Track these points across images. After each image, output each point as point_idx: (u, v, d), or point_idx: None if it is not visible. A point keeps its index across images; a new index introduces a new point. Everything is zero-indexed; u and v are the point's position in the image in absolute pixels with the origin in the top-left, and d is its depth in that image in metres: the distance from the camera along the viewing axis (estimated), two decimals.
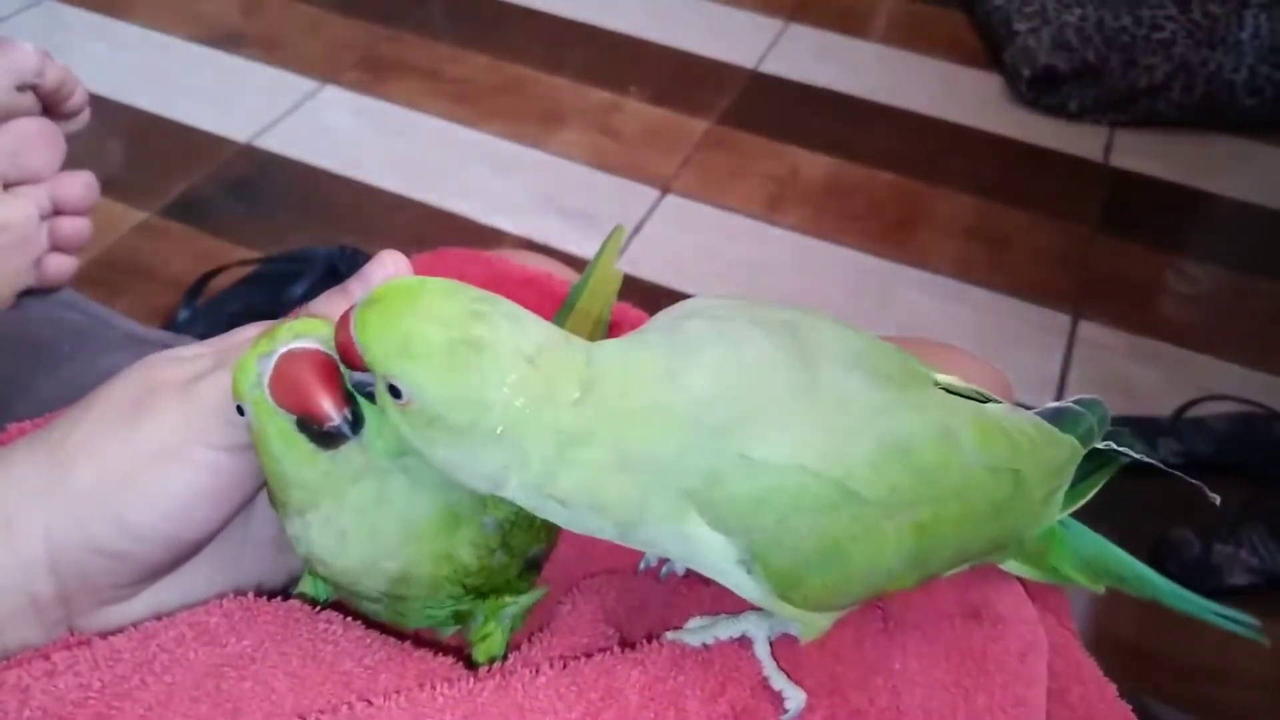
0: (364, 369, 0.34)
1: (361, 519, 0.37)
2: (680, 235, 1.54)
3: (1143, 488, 1.13)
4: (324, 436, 0.35)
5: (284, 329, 0.36)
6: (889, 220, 1.59)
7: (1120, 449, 0.43)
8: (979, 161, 1.71)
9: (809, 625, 0.39)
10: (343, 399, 0.35)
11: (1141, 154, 1.72)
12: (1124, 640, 1.05)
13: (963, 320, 1.44)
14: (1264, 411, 1.29)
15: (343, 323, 0.34)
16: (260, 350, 0.35)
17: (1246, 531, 1.15)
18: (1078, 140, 1.75)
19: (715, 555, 0.35)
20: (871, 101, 1.81)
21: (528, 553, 0.42)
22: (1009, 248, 1.56)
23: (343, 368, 0.35)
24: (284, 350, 0.35)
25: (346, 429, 0.35)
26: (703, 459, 0.33)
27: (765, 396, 0.34)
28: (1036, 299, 1.47)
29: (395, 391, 0.32)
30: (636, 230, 1.53)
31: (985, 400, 0.40)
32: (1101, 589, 0.45)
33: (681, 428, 0.33)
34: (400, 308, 0.32)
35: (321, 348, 0.35)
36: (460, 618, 0.42)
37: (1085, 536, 0.45)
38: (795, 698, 0.40)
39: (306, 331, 0.36)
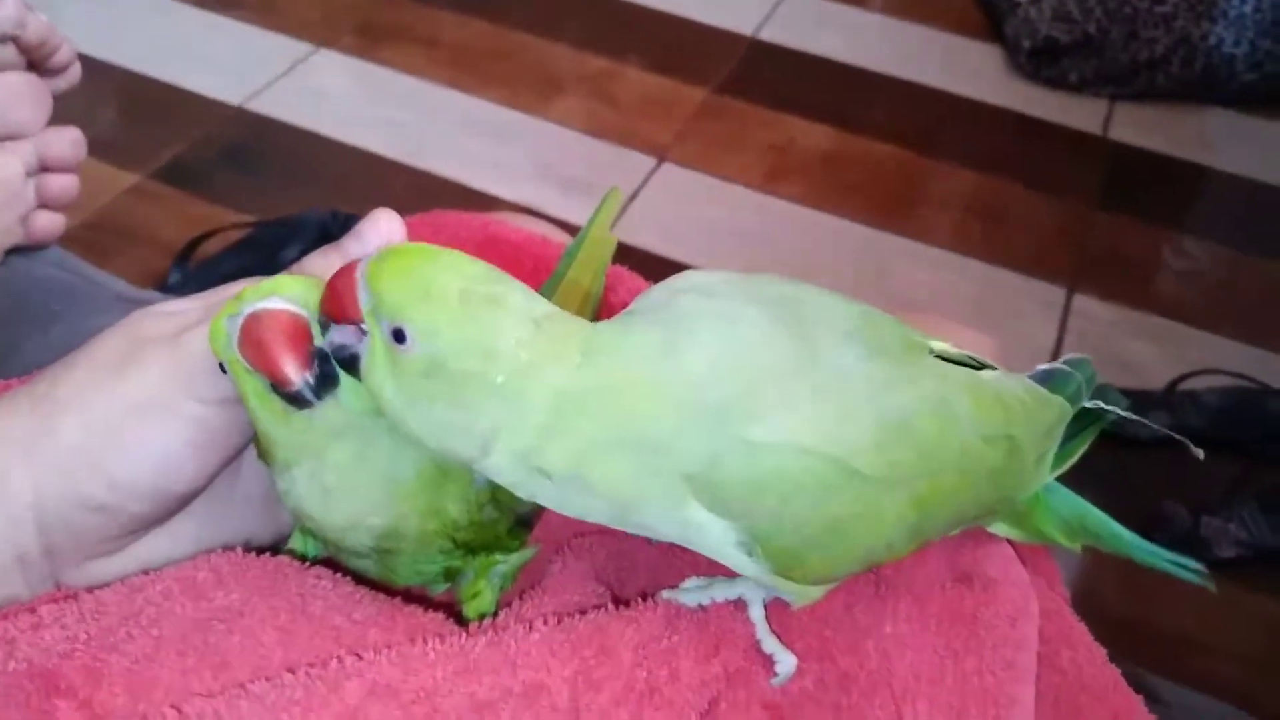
0: (353, 320, 0.33)
1: (344, 476, 0.37)
2: (676, 205, 1.53)
3: (1134, 462, 1.14)
4: (292, 398, 0.35)
5: (251, 289, 0.36)
6: (887, 192, 1.58)
7: (1108, 406, 0.44)
8: (978, 134, 1.70)
9: (802, 593, 0.39)
10: (308, 361, 0.35)
11: (1140, 128, 1.72)
12: (1109, 612, 1.06)
13: (959, 293, 1.43)
14: (1256, 386, 1.29)
15: (345, 272, 0.34)
16: (229, 311, 0.35)
17: (1236, 506, 1.16)
18: (1077, 113, 1.74)
19: (714, 539, 0.35)
20: (871, 72, 1.80)
21: (518, 510, 0.42)
22: (1006, 220, 1.55)
23: (316, 328, 0.35)
24: (249, 311, 0.35)
25: (308, 392, 0.35)
26: (701, 441, 0.33)
27: (763, 376, 0.34)
28: (1032, 272, 1.47)
29: (399, 337, 0.32)
30: (633, 198, 1.53)
31: (979, 366, 0.40)
32: (1078, 547, 0.45)
33: (679, 408, 0.33)
34: (421, 260, 0.33)
35: (290, 307, 0.35)
36: (450, 575, 0.42)
37: (1064, 496, 0.45)
38: (786, 662, 0.40)
39: (275, 291, 0.35)
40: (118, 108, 1.62)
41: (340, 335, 0.34)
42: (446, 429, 0.33)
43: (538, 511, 0.44)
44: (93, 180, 1.51)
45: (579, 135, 1.63)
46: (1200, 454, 0.43)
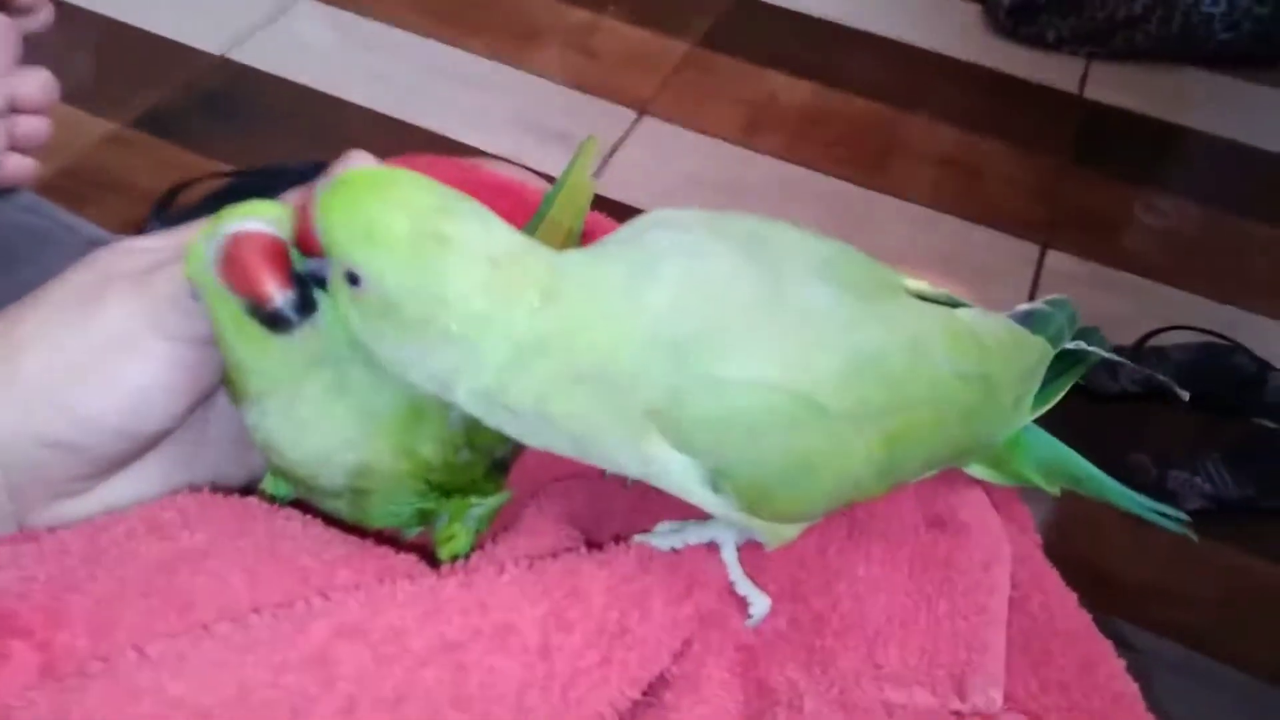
0: (321, 254, 0.32)
1: (319, 408, 0.36)
2: (657, 158, 1.52)
3: (1103, 415, 1.15)
4: (273, 321, 0.34)
5: (230, 210, 0.35)
6: (866, 147, 1.58)
7: (1090, 348, 0.43)
8: (956, 90, 1.69)
9: (775, 534, 0.39)
10: (289, 281, 0.34)
11: (1116, 87, 1.71)
12: (1077, 562, 1.07)
13: (934, 249, 1.43)
14: (1225, 342, 1.31)
15: (302, 207, 0.33)
16: (207, 232, 0.34)
17: (1202, 459, 1.17)
18: (1054, 71, 1.73)
19: (678, 475, 0.34)
20: (851, 28, 1.78)
21: (494, 453, 0.41)
22: (982, 177, 1.55)
23: (295, 253, 0.34)
24: (230, 231, 0.34)
25: (290, 312, 0.34)
26: (664, 377, 0.32)
27: (729, 310, 0.33)
28: (1007, 228, 1.47)
29: (353, 278, 0.31)
30: (613, 152, 1.51)
31: (956, 305, 0.39)
32: (1057, 491, 0.45)
33: (640, 344, 0.32)
34: (367, 194, 0.31)
35: (270, 230, 0.34)
36: (424, 517, 0.41)
37: (1043, 439, 0.45)
38: (760, 603, 0.40)
39: (253, 213, 0.35)
40: (96, 55, 1.57)
41: (315, 261, 0.33)
42: (408, 366, 0.32)
43: (514, 455, 0.44)
44: (69, 128, 1.47)
45: (560, 87, 1.61)
46: (1185, 395, 0.43)
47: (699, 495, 0.35)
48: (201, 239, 0.34)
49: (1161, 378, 0.44)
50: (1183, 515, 0.45)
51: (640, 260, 0.33)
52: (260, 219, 0.34)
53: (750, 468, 0.34)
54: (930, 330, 0.37)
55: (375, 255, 0.30)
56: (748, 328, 0.33)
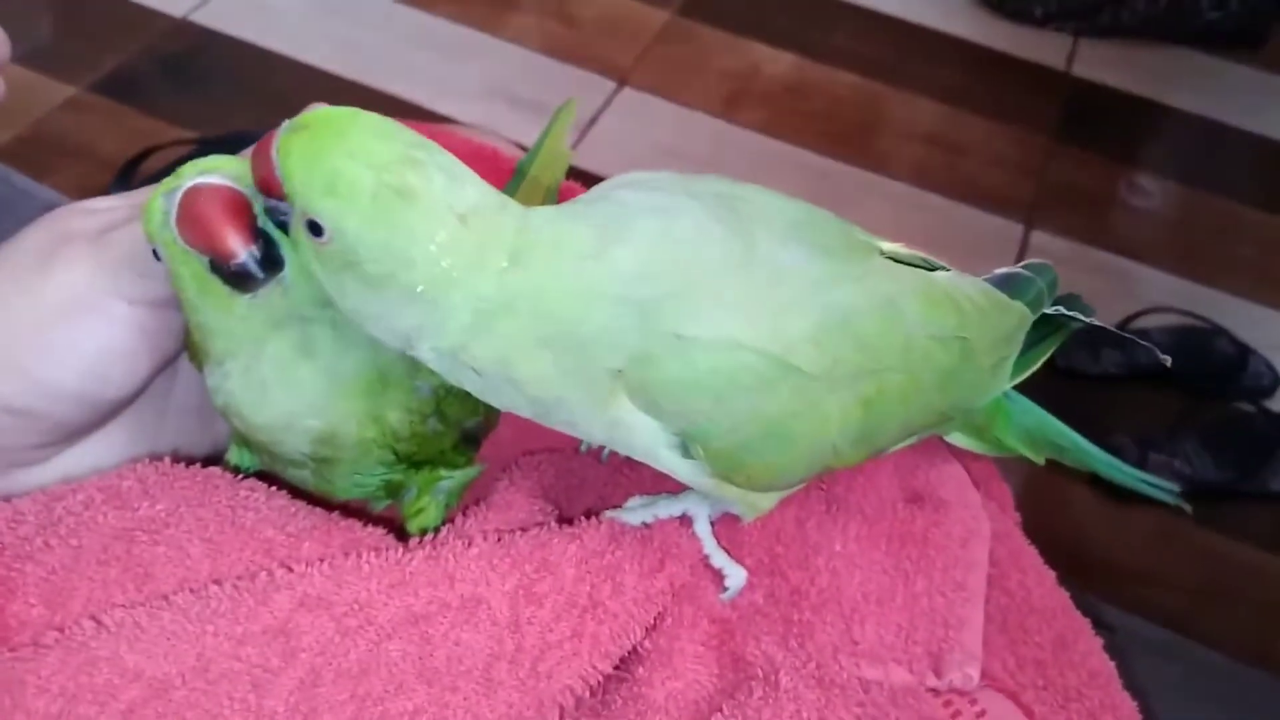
0: (281, 197, 0.31)
1: (283, 369, 0.35)
2: (636, 130, 1.50)
3: (1084, 397, 1.15)
4: (237, 278, 0.33)
5: (189, 165, 0.34)
6: (849, 123, 1.56)
7: (1070, 313, 0.42)
8: (941, 66, 1.68)
9: (750, 505, 0.38)
10: (251, 236, 0.33)
11: (1103, 65, 1.71)
12: (1056, 542, 1.07)
13: (917, 227, 1.43)
14: (1206, 325, 1.31)
15: (262, 148, 0.31)
16: (165, 187, 0.33)
17: (1182, 441, 1.18)
18: (1041, 48, 1.72)
19: (646, 439, 0.33)
20: (836, 0, 1.77)
21: (464, 424, 0.40)
22: (965, 154, 1.54)
23: (257, 203, 0.33)
24: (189, 185, 0.33)
25: (254, 266, 0.33)
26: (631, 338, 0.31)
27: (699, 271, 0.32)
28: (991, 207, 1.46)
29: (315, 229, 0.30)
30: (592, 122, 1.49)
31: (933, 268, 0.39)
32: (1042, 460, 0.45)
33: (607, 304, 0.31)
34: (330, 141, 0.30)
35: (229, 183, 0.33)
36: (392, 490, 0.40)
37: (1026, 407, 0.44)
38: (735, 575, 0.40)
39: (213, 168, 0.33)
40: (55, 16, 1.54)
41: (276, 203, 0.32)
42: (370, 320, 0.31)
43: (486, 428, 0.43)
44: (28, 91, 1.43)
45: (535, 55, 1.59)
46: (1168, 361, 0.42)
47: (668, 460, 0.34)
48: (160, 195, 0.33)
49: (1144, 344, 0.43)
50: (1172, 486, 0.45)
51: (610, 219, 0.32)
52: (219, 173, 0.33)
53: (720, 431, 0.33)
54: (905, 292, 0.36)
55: (337, 207, 0.29)
56: (717, 288, 0.32)
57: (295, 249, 0.32)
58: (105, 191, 1.28)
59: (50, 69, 1.43)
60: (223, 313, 0.34)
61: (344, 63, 1.52)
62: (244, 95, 1.47)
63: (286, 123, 0.31)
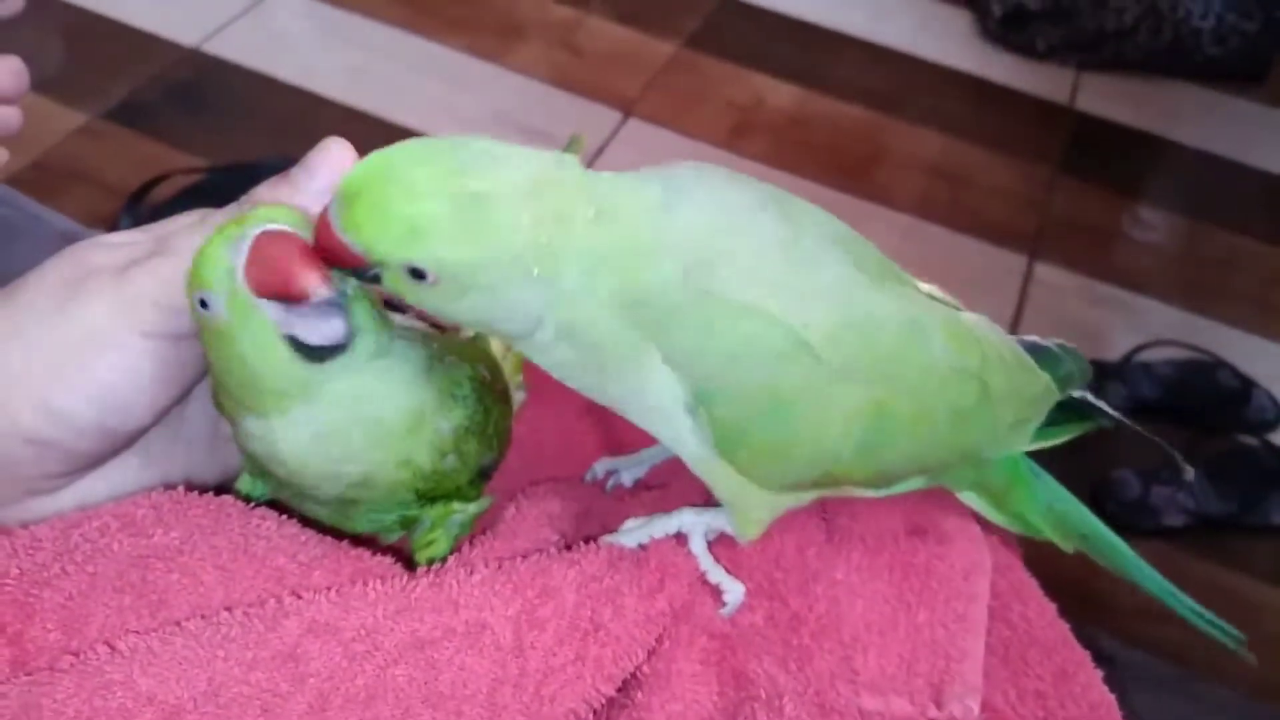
0: (356, 265, 0.32)
1: (334, 422, 0.35)
2: (643, 160, 1.46)
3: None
4: (314, 351, 0.33)
5: (253, 214, 0.33)
6: (852, 154, 1.58)
7: (1097, 402, 0.43)
8: (945, 98, 1.69)
9: (746, 519, 0.39)
10: (329, 276, 0.32)
11: (1107, 98, 1.72)
12: (1061, 578, 1.07)
13: (920, 259, 1.43)
14: (1208, 358, 1.31)
15: (323, 227, 0.32)
16: (228, 235, 0.33)
17: (1183, 474, 1.17)
18: (1045, 81, 1.74)
19: (665, 394, 0.34)
20: (840, 32, 1.79)
21: (479, 461, 0.41)
22: (969, 186, 1.56)
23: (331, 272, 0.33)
24: (259, 232, 0.33)
25: (338, 314, 0.33)
26: (673, 293, 0.33)
27: (744, 241, 0.34)
28: (994, 239, 1.47)
29: (417, 274, 0.31)
30: (598, 153, 1.51)
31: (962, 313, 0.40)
32: (1071, 549, 0.45)
33: (668, 257, 0.33)
34: (385, 194, 0.31)
35: (296, 231, 0.33)
36: (406, 524, 0.41)
37: (1055, 489, 0.44)
38: (734, 590, 0.40)
39: (276, 218, 0.33)
40: (67, 45, 1.56)
41: (352, 271, 0.33)
42: (502, 322, 0.33)
43: (496, 462, 0.43)
44: (40, 119, 1.46)
45: (542, 85, 1.60)
46: (1190, 473, 0.44)
47: (678, 424, 0.35)
48: (221, 243, 0.33)
49: (1168, 448, 0.44)
50: (1236, 633, 0.45)
51: (671, 183, 0.34)
52: (283, 223, 0.33)
53: (728, 396, 0.34)
54: (932, 321, 0.37)
55: (428, 245, 0.31)
56: (756, 261, 0.34)
57: (365, 299, 0.33)
58: (115, 217, 1.30)
59: (62, 97, 1.45)
60: (281, 369, 0.34)
61: (353, 92, 1.54)
62: (254, 123, 1.49)
63: (331, 201, 0.31)
